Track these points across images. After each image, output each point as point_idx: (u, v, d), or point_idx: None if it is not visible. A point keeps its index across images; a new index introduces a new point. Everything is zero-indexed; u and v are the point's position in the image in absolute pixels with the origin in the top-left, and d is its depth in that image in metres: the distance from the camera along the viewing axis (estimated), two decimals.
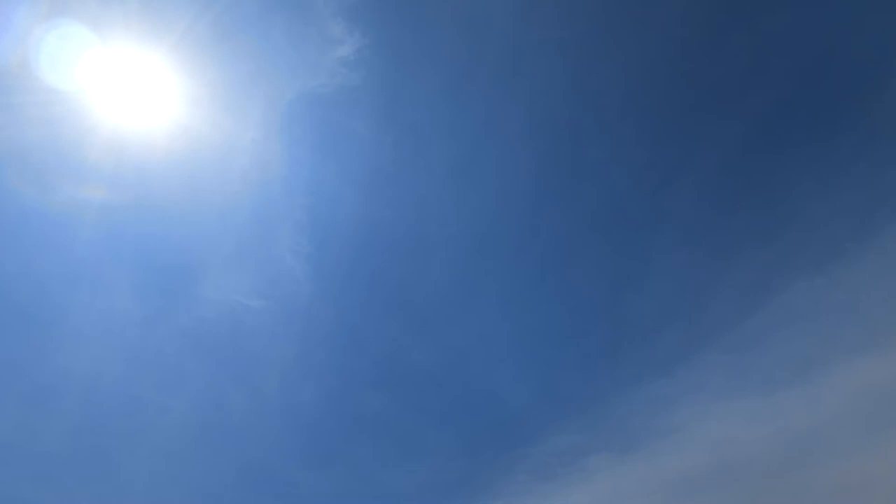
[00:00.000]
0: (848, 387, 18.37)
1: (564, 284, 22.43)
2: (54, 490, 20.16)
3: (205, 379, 21.49)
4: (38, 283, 18.87)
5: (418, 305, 22.10)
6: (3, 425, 20.05)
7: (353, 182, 19.19)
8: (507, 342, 23.18)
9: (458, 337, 22.82)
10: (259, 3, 16.31)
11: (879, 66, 17.48)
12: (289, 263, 20.16)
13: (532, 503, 21.75)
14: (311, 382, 22.24)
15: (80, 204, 17.78)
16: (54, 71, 17.41)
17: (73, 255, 18.83)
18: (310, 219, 19.56)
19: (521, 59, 17.72)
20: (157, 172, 18.52)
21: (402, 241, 20.67)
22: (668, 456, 20.66)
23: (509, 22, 17.00)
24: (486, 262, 21.67)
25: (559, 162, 20.07)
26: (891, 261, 18.18)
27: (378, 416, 23.03)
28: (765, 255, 20.10)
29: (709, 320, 20.78)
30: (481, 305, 22.42)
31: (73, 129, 17.30)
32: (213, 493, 21.83)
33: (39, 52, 17.27)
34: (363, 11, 16.33)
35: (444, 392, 23.38)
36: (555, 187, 20.55)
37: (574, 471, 21.71)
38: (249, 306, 20.31)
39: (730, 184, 20.08)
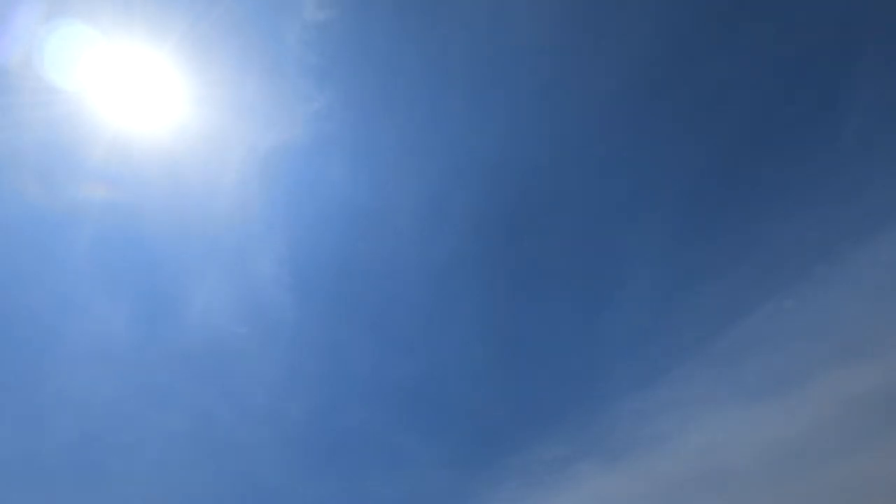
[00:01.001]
0: (825, 398, 19.07)
1: (543, 303, 23.18)
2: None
3: (196, 397, 22.35)
4: (35, 287, 19.34)
5: (399, 327, 23.13)
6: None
7: (330, 219, 20.86)
8: (489, 359, 23.90)
9: (439, 354, 23.69)
10: (235, 64, 17.82)
11: (841, 96, 18.44)
12: (271, 293, 21.57)
13: None
14: (298, 400, 23.26)
15: (75, 206, 18.08)
16: (56, 70, 17.44)
17: (68, 259, 19.19)
18: (290, 253, 21.09)
19: (482, 106, 19.35)
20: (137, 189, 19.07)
21: (380, 270, 22.05)
22: (653, 463, 21.21)
23: (469, 73, 18.72)
24: (464, 284, 22.80)
25: (531, 189, 21.24)
26: (857, 283, 18.98)
27: (366, 430, 23.84)
28: (735, 279, 20.88)
29: (685, 338, 21.61)
30: (461, 324, 23.42)
31: (72, 130, 17.39)
32: None
33: (42, 52, 17.32)
34: (331, 71, 18.08)
35: (429, 406, 24.09)
36: (529, 211, 21.70)
37: (563, 478, 22.17)
38: (235, 332, 21.58)
39: (700, 208, 20.99)
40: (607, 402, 22.38)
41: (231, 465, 22.86)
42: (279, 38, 17.66)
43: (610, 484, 20.83)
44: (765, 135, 19.48)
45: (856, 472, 17.58)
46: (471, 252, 21.95)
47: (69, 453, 21.27)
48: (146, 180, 19.12)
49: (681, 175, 20.40)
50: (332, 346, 22.83)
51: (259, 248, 20.86)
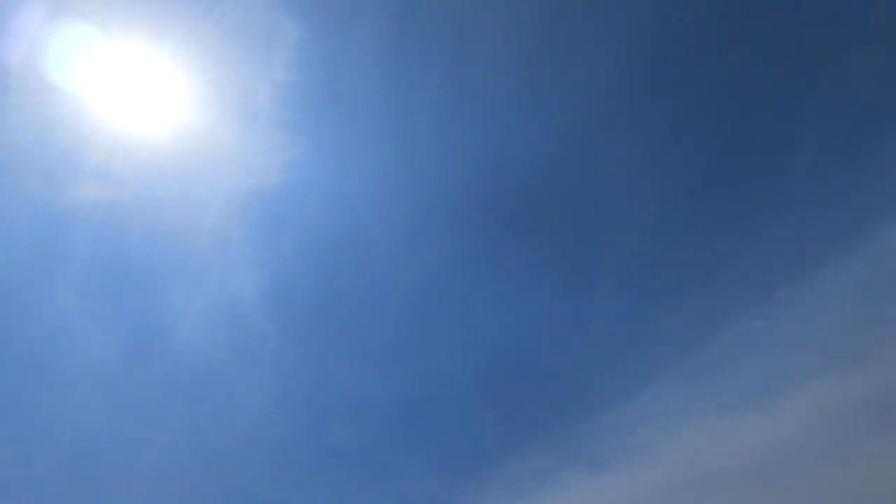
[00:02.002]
0: (804, 408, 20.18)
1: (521, 317, 24.22)
2: None
3: (184, 416, 23.09)
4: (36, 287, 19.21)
5: (381, 346, 24.18)
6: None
7: (307, 253, 22.45)
8: (469, 373, 24.80)
9: (422, 370, 24.68)
10: (209, 121, 19.14)
11: (794, 125, 19.95)
12: (255, 322, 22.72)
13: None
14: (285, 418, 24.22)
15: (73, 206, 18.05)
16: (58, 71, 17.28)
17: (66, 260, 19.12)
18: (272, 284, 22.61)
19: (451, 143, 20.96)
20: None
21: (360, 294, 23.30)
22: (639, 470, 21.97)
23: (434, 122, 20.42)
24: (442, 302, 23.95)
25: (503, 215, 22.65)
26: (820, 305, 20.41)
27: (352, 444, 24.55)
28: (701, 301, 22.02)
29: (660, 354, 22.73)
30: (442, 341, 24.59)
31: (73, 130, 17.29)
32: None
33: (44, 52, 17.15)
34: (302, 124, 19.79)
35: (413, 419, 24.95)
36: (503, 233, 23.00)
37: (548, 486, 22.76)
38: (222, 359, 22.68)
39: (669, 231, 22.14)
40: (588, 414, 23.21)
41: (221, 481, 23.32)
42: (251, 96, 19.22)
43: (596, 491, 21.54)
44: (729, 162, 20.80)
45: (840, 475, 18.76)
46: (448, 270, 23.32)
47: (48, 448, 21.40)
48: (141, 184, 19.20)
49: (654, 195, 21.60)
50: (316, 366, 23.98)
51: (242, 278, 22.23)
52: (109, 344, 21.55)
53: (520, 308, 23.87)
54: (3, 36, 16.59)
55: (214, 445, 23.03)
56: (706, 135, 20.75)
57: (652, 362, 22.68)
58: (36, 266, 18.95)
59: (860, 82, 18.76)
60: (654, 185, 21.57)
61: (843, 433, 19.23)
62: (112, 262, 20.47)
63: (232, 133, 19.85)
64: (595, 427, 23.05)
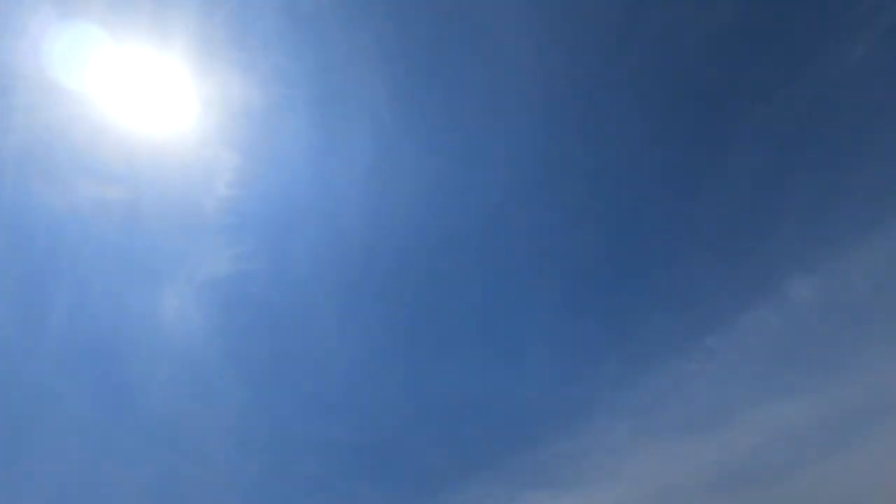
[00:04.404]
0: (739, 433, 22.66)
1: (466, 356, 26.03)
2: None
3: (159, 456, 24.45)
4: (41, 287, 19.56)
5: (335, 392, 26.22)
6: None
7: (255, 331, 25.10)
8: (422, 412, 26.41)
9: (374, 412, 26.34)
10: (171, 219, 21.29)
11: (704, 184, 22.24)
12: (218, 388, 24.85)
13: None
14: (252, 459, 25.74)
15: (80, 206, 18.45)
16: (65, 71, 17.54)
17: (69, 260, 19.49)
18: (227, 361, 24.86)
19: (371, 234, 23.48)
20: None
21: (312, 351, 25.71)
22: (595, 490, 23.66)
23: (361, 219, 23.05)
24: (386, 354, 26.03)
25: (440, 276, 24.78)
26: (743, 347, 23.07)
27: (314, 481, 25.84)
28: (634, 348, 24.45)
29: (598, 395, 24.94)
30: (391, 385, 26.39)
31: (79, 131, 17.62)
32: None
33: (50, 53, 17.36)
34: (247, 226, 22.62)
35: (370, 457, 26.41)
36: (438, 294, 25.22)
37: None
38: (189, 410, 24.61)
39: (598, 289, 24.66)
40: (542, 444, 24.84)
41: None
42: (199, 207, 21.44)
43: None
44: (650, 226, 23.01)
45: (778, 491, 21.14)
46: (390, 328, 25.78)
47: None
48: (142, 184, 19.71)
49: (583, 251, 23.91)
50: (277, 414, 25.95)
51: (203, 359, 24.33)
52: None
53: (467, 353, 25.70)
54: (9, 37, 16.68)
55: (188, 484, 24.21)
56: (632, 193, 22.86)
57: (594, 400, 24.78)
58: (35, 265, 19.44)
59: (766, 144, 21.05)
60: (583, 240, 23.73)
61: (776, 455, 21.82)
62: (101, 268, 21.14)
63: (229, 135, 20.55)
64: (550, 455, 24.71)
